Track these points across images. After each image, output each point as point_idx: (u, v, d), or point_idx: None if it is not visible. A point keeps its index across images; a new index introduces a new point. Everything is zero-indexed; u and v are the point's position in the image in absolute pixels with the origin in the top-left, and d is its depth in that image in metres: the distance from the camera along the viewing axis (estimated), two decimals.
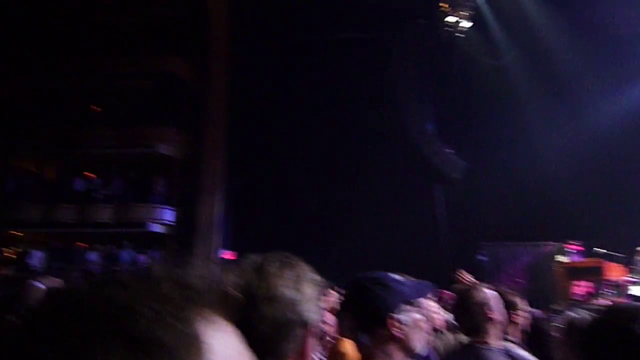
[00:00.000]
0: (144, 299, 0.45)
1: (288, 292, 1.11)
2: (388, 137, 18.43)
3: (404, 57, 19.74)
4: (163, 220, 18.75)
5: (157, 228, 18.59)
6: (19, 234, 19.32)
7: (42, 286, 2.77)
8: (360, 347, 1.49)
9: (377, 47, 19.21)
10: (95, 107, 19.99)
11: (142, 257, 17.49)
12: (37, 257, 17.24)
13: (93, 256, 17.38)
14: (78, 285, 0.49)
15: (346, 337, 2.55)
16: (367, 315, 1.50)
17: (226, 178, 19.15)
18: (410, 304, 1.58)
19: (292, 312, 1.10)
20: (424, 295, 1.74)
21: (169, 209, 18.82)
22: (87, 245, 18.63)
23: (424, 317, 1.66)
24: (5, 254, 18.99)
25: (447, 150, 19.15)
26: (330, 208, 18.08)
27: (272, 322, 1.08)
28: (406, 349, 1.56)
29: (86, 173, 19.84)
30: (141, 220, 18.32)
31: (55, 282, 3.07)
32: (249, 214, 18.82)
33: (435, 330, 3.16)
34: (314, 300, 1.14)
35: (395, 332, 1.53)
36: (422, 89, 19.67)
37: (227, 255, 19.28)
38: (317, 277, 1.18)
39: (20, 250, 18.77)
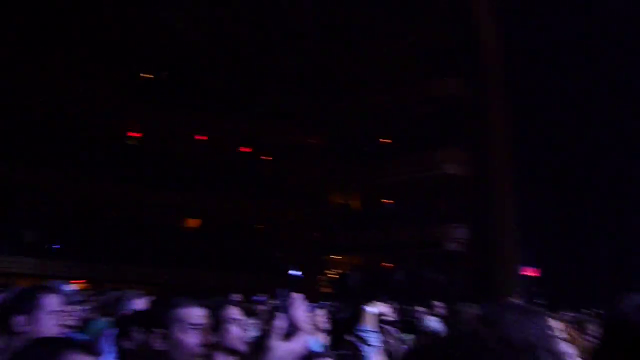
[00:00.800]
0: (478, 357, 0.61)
1: None
2: None
3: None
4: (457, 238, 19.00)
5: (453, 246, 18.94)
6: (337, 257, 22.48)
7: (374, 311, 3.19)
8: None
9: None
10: (384, 140, 22.00)
11: (442, 277, 18.01)
12: (353, 278, 19.68)
13: (399, 276, 18.78)
14: (428, 342, 0.70)
15: None
16: (633, 357, 1.19)
17: (516, 191, 18.23)
18: None
19: None
20: None
21: (462, 227, 18.97)
22: (392, 266, 20.34)
23: None
24: (328, 276, 22.32)
25: None
26: None
27: None
28: None
29: (384, 200, 21.85)
30: (437, 240, 18.99)
31: (382, 307, 3.49)
32: (546, 227, 17.39)
33: None
34: None
35: None
36: None
37: (529, 271, 18.16)
38: None
39: (339, 272, 21.80)
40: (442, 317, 4.78)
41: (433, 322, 4.27)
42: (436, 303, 7.64)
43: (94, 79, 19.66)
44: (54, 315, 2.03)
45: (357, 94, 21.73)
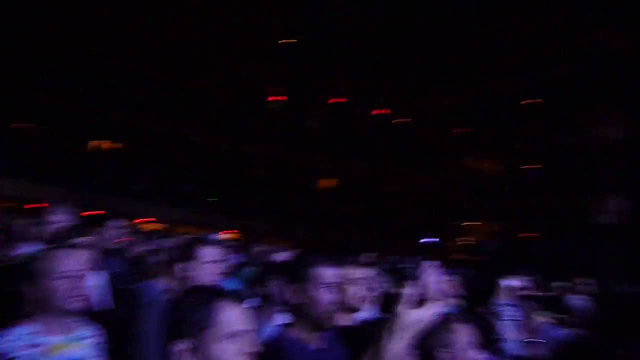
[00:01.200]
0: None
1: None
2: None
3: None
4: (612, 210, 17.07)
5: (605, 219, 17.08)
6: (473, 224, 21.70)
7: (514, 283, 3.03)
8: None
9: None
10: (529, 100, 20.26)
11: (590, 252, 16.44)
12: (490, 247, 18.90)
13: (541, 248, 17.59)
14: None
15: None
16: None
17: None
18: None
19: None
20: None
21: (618, 198, 16.99)
22: (532, 236, 19.08)
23: None
24: (462, 243, 21.73)
25: None
26: None
27: None
28: None
29: (528, 165, 20.37)
30: (587, 211, 17.28)
31: (521, 280, 3.30)
32: None
33: None
34: None
35: None
36: None
37: None
38: None
39: (474, 239, 21.10)
40: (588, 296, 4.40)
41: (577, 301, 3.96)
42: (581, 280, 7.04)
43: (238, 47, 20.89)
44: (209, 265, 2.30)
45: (499, 48, 20.13)
